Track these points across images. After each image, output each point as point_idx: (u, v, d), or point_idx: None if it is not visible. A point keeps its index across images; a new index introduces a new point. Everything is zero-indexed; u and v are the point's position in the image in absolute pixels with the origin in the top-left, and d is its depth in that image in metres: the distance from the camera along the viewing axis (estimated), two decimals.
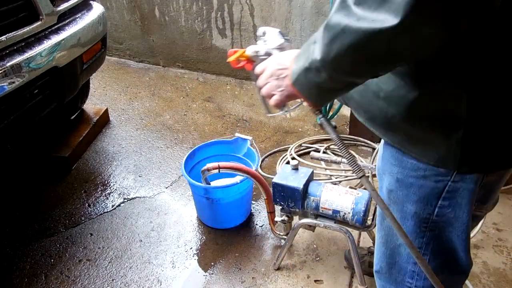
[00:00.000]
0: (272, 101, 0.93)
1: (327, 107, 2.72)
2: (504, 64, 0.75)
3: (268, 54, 1.03)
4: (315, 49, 0.75)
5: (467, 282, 1.68)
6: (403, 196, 0.95)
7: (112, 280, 1.79)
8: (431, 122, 0.83)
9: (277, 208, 1.82)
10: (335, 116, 2.80)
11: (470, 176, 0.87)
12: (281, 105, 0.94)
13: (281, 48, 1.03)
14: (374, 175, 2.26)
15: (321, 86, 0.80)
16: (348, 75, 0.76)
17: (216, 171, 1.78)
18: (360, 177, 0.83)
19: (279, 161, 2.47)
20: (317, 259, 1.84)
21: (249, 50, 1.09)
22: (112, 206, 2.19)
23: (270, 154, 2.56)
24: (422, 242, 0.98)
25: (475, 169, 0.86)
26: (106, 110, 2.88)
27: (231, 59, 1.11)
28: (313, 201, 1.58)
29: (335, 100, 2.69)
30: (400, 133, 0.88)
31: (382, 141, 1.00)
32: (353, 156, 0.86)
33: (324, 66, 0.75)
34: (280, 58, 0.92)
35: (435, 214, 0.93)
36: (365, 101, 0.90)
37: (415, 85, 0.80)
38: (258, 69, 0.98)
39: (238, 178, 1.90)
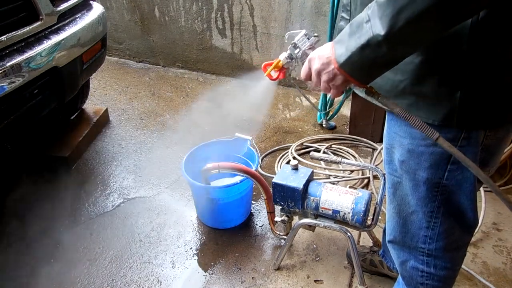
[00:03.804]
0: (332, 96, 0.96)
1: (327, 107, 2.72)
2: (504, 25, 0.81)
3: (305, 55, 1.04)
4: (373, 25, 0.77)
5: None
6: (415, 164, 1.02)
7: (112, 280, 1.79)
8: (436, 81, 0.89)
9: (277, 208, 1.82)
10: (335, 116, 2.80)
11: (474, 140, 0.95)
12: (340, 95, 0.96)
13: (313, 48, 1.05)
14: (375, 176, 2.26)
15: (377, 61, 0.81)
16: (409, 46, 0.80)
17: (216, 171, 1.78)
18: (436, 139, 0.86)
19: (277, 160, 2.47)
20: (317, 259, 1.84)
21: (283, 59, 1.10)
22: (112, 206, 2.18)
23: (269, 153, 2.56)
24: (434, 206, 1.06)
25: (477, 125, 0.93)
26: (106, 110, 2.88)
27: (267, 72, 1.12)
28: (313, 201, 1.58)
29: (335, 100, 2.71)
30: (406, 98, 0.94)
31: (387, 117, 1.05)
32: (422, 122, 0.87)
33: (387, 39, 0.76)
34: (318, 53, 0.93)
35: (445, 178, 1.00)
36: None
37: (421, 49, 0.86)
38: (302, 73, 0.99)
39: (238, 178, 1.90)
